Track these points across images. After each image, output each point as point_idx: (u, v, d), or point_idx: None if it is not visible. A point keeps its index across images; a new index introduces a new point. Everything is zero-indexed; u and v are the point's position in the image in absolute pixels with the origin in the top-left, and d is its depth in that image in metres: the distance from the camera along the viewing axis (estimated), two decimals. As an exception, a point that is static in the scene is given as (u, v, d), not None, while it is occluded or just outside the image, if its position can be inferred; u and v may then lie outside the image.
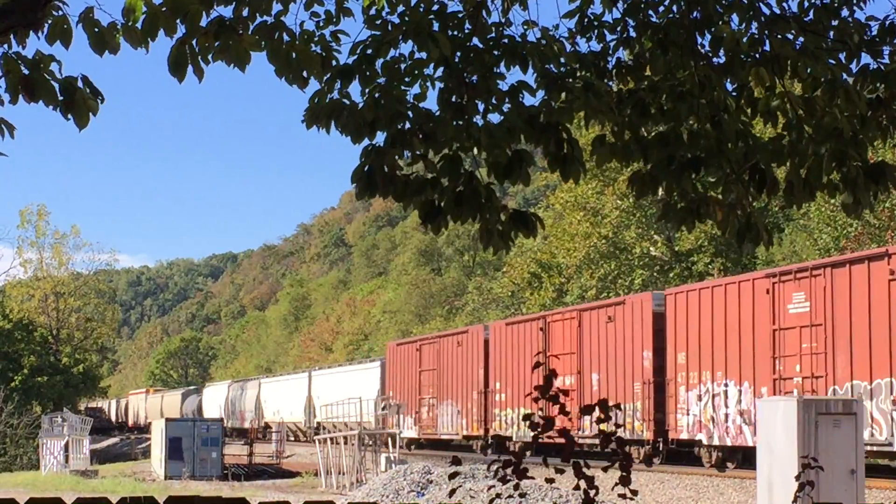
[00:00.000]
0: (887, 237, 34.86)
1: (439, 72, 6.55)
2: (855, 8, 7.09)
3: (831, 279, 23.13)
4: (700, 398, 26.64)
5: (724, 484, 24.80)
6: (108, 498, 6.84)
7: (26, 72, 5.66)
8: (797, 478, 8.40)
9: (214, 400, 77.07)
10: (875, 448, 22.16)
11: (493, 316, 58.77)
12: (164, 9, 5.69)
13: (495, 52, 6.64)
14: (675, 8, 7.02)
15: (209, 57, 5.86)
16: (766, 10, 6.93)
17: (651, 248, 46.75)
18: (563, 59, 6.87)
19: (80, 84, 5.72)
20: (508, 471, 6.15)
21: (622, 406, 28.94)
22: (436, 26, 6.48)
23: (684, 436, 27.16)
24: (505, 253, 7.24)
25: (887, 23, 7.03)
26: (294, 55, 6.15)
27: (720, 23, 6.85)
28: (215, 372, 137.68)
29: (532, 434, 6.18)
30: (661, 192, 7.20)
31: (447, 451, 39.04)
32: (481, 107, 6.59)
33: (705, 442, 26.39)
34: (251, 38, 5.97)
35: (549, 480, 6.84)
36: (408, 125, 6.47)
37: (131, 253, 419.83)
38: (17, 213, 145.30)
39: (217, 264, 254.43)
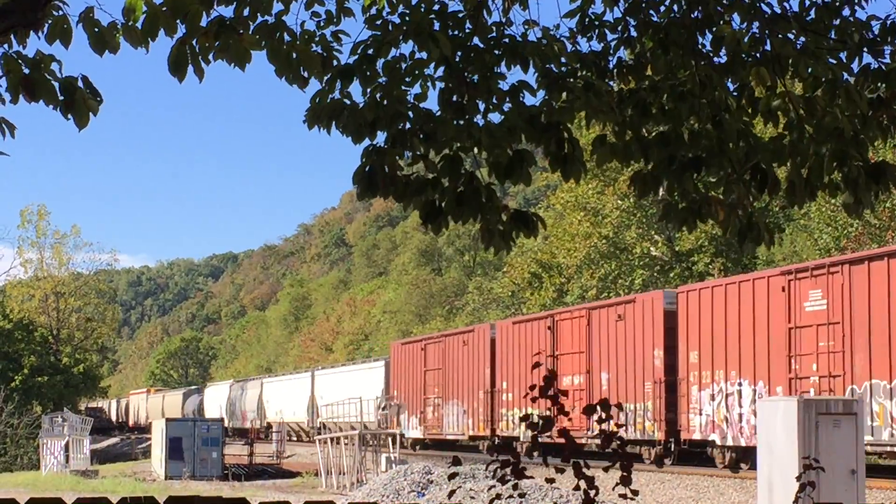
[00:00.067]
0: (888, 237, 34.86)
1: (440, 72, 6.54)
2: (856, 7, 7.08)
3: (849, 276, 22.71)
4: (713, 398, 26.26)
5: (724, 484, 24.79)
6: (109, 498, 6.84)
7: (27, 71, 5.65)
8: (798, 478, 8.39)
9: (216, 400, 77.03)
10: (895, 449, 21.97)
11: (494, 316, 58.75)
12: (164, 8, 5.68)
13: (496, 52, 6.63)
14: (675, 7, 7.01)
15: (210, 57, 5.86)
16: (767, 10, 6.93)
17: (651, 249, 46.76)
18: (563, 59, 6.87)
19: (79, 84, 5.72)
20: (507, 471, 6.15)
21: (633, 406, 28.71)
22: (436, 26, 6.47)
23: (697, 436, 26.79)
24: (505, 253, 7.23)
25: (888, 22, 7.02)
26: (294, 55, 6.15)
27: (721, 22, 6.84)
28: (215, 372, 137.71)
29: (532, 434, 6.18)
30: (661, 192, 7.20)
31: (453, 452, 38.66)
32: (482, 106, 6.58)
33: (718, 442, 26.02)
34: (251, 37, 5.97)
35: (550, 480, 6.83)
36: (408, 125, 6.47)
37: (131, 253, 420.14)
38: (17, 213, 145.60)
39: (217, 264, 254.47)
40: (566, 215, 49.52)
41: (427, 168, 6.53)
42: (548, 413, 6.08)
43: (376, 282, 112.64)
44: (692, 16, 6.93)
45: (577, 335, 31.81)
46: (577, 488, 6.19)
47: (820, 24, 7.00)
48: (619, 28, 7.11)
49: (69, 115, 5.72)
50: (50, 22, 5.72)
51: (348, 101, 6.43)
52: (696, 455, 27.72)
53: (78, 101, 5.70)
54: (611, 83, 7.02)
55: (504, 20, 6.79)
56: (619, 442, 6.15)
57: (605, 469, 6.49)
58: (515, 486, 6.21)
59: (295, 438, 59.17)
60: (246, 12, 6.10)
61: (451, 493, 7.92)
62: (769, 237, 7.01)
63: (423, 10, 6.49)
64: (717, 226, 7.13)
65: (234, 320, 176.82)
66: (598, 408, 6.08)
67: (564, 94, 6.71)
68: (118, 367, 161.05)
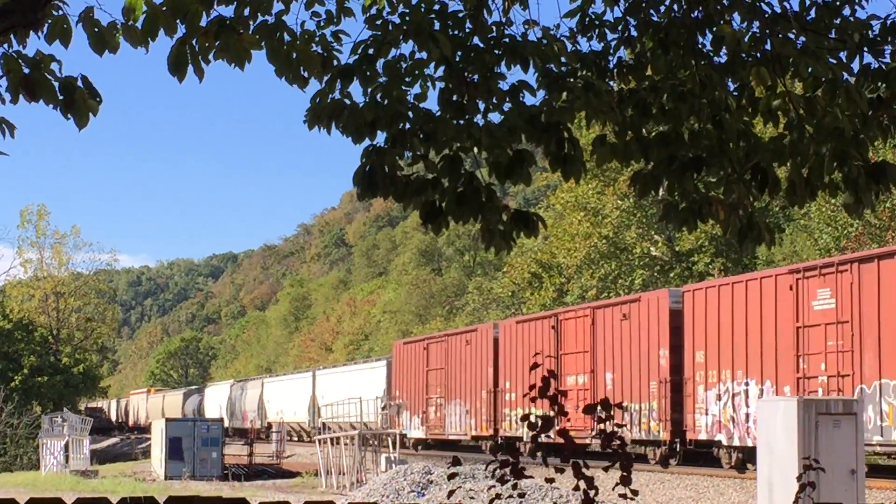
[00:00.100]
0: (888, 237, 34.86)
1: (440, 71, 6.54)
2: (856, 7, 7.08)
3: (858, 275, 22.44)
4: (719, 397, 26.01)
5: (724, 484, 24.78)
6: (108, 498, 6.83)
7: (27, 71, 5.65)
8: (798, 478, 8.38)
9: (216, 400, 76.98)
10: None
11: (494, 316, 58.76)
12: (164, 8, 5.68)
13: (496, 52, 6.63)
14: (676, 7, 7.01)
15: (210, 56, 5.86)
16: (768, 10, 6.93)
17: (651, 249, 46.78)
18: (563, 59, 6.87)
19: (79, 84, 5.72)
20: (507, 471, 6.14)
21: (638, 406, 28.49)
22: (436, 26, 6.47)
23: (703, 436, 26.54)
24: (506, 253, 7.23)
25: (888, 22, 7.02)
26: (294, 55, 6.15)
27: (721, 22, 6.84)
28: (215, 372, 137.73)
29: (531, 434, 6.17)
30: (662, 192, 7.19)
31: (456, 452, 38.37)
32: (482, 106, 6.58)
33: (725, 443, 25.74)
34: (251, 37, 5.97)
35: (549, 480, 6.83)
36: (408, 125, 6.47)
37: (131, 253, 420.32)
38: (17, 213, 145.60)
39: (217, 264, 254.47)
40: (566, 215, 49.53)
41: (427, 168, 6.53)
42: (552, 413, 6.07)
43: (376, 282, 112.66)
44: (692, 15, 6.93)
45: (581, 334, 31.54)
46: (576, 488, 6.19)
47: (820, 24, 7.00)
48: (620, 28, 7.11)
49: (69, 115, 5.72)
50: (50, 22, 5.72)
51: (348, 101, 6.42)
52: (701, 455, 27.44)
53: (78, 101, 5.70)
54: (611, 83, 7.02)
55: (504, 20, 6.79)
56: (618, 442, 6.14)
57: (605, 469, 6.49)
58: (515, 486, 6.21)
59: (296, 438, 59.11)
60: (246, 12, 6.10)
61: (451, 493, 7.94)
62: (770, 237, 7.01)
63: (423, 9, 6.49)
64: (717, 226, 7.12)
65: (234, 320, 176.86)
66: (599, 407, 6.08)
67: (564, 94, 6.70)
68: (118, 367, 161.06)
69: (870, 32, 7.01)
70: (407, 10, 6.50)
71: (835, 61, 6.89)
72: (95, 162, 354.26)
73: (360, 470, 35.23)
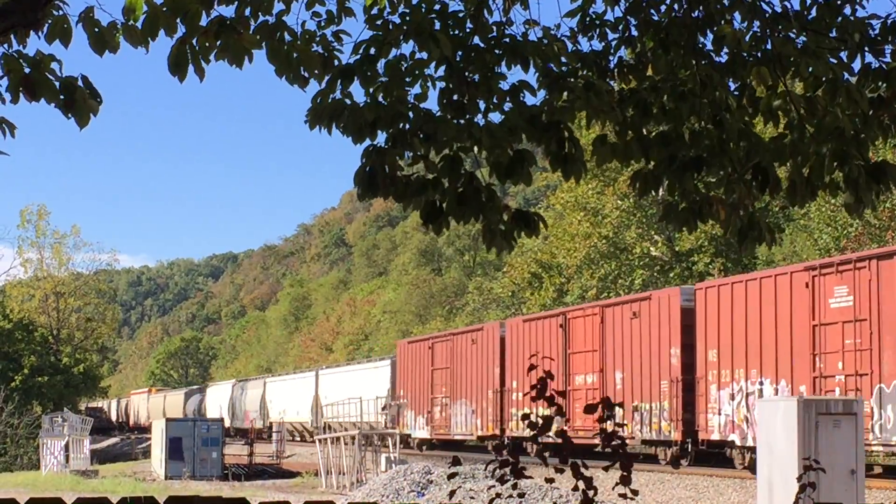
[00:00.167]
0: (888, 237, 34.86)
1: (440, 71, 6.54)
2: (857, 6, 7.08)
3: (877, 271, 21.97)
4: (733, 397, 25.58)
5: (724, 484, 24.78)
6: (109, 498, 6.83)
7: (27, 71, 5.65)
8: (799, 479, 8.38)
9: (218, 400, 76.94)
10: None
11: (494, 316, 58.76)
12: (164, 8, 5.68)
13: (497, 52, 6.62)
14: (676, 7, 7.01)
15: (210, 56, 5.86)
16: (768, 9, 6.93)
17: (651, 249, 46.80)
18: (564, 59, 6.86)
19: (79, 84, 5.72)
20: (507, 471, 6.14)
21: (648, 405, 28.20)
22: (437, 26, 6.47)
23: (715, 436, 26.13)
24: (506, 253, 7.23)
25: (889, 21, 7.02)
26: (295, 55, 6.15)
27: (722, 22, 6.84)
28: (215, 372, 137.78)
29: (532, 434, 6.17)
30: (662, 191, 7.19)
31: (461, 453, 36.92)
32: (482, 106, 6.58)
33: (738, 443, 25.31)
34: (251, 37, 5.97)
35: (549, 480, 6.82)
36: (409, 125, 6.46)
37: (131, 253, 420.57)
38: (17, 213, 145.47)
39: (217, 264, 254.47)
40: (566, 215, 49.56)
41: (427, 168, 6.52)
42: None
43: (376, 282, 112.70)
44: (693, 15, 6.93)
45: (590, 333, 31.16)
46: (576, 489, 6.19)
47: (821, 24, 7.00)
48: (620, 27, 7.11)
49: (70, 115, 5.72)
50: (50, 22, 5.72)
51: (349, 102, 6.42)
52: (713, 456, 27.09)
53: (78, 101, 5.70)
54: (611, 83, 7.01)
55: (505, 20, 6.79)
56: (619, 441, 6.14)
57: (605, 468, 6.49)
58: (515, 486, 6.21)
59: (298, 439, 59.05)
60: (247, 12, 6.10)
61: (452, 493, 7.92)
62: (770, 237, 7.01)
63: (423, 9, 6.49)
64: (717, 226, 7.12)
65: (234, 320, 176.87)
66: (600, 406, 6.08)
67: (565, 94, 6.70)
68: (118, 367, 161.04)
69: (870, 32, 7.01)
70: (407, 10, 6.50)
71: (835, 61, 6.89)
72: (95, 162, 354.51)
73: (360, 470, 35.23)
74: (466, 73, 6.55)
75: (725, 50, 6.88)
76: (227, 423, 61.94)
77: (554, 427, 6.10)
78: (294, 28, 6.23)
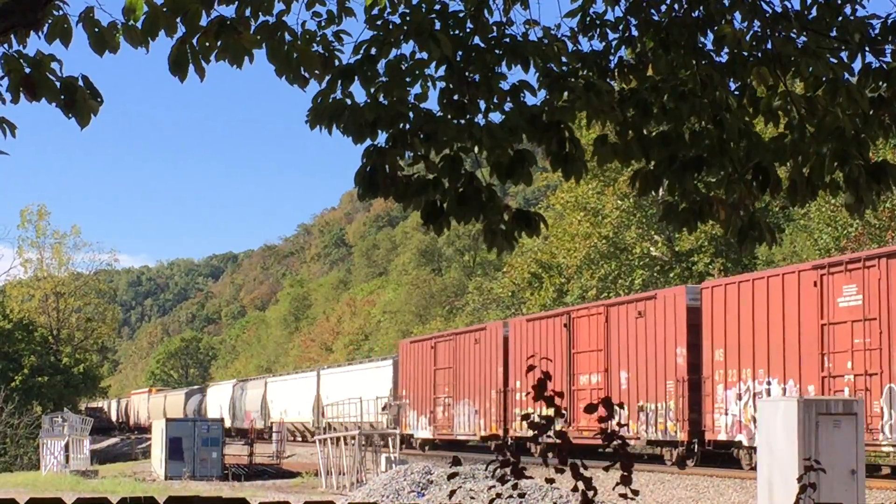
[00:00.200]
0: (888, 237, 34.86)
1: (441, 71, 6.54)
2: (857, 6, 7.08)
3: (886, 270, 21.76)
4: (740, 397, 25.34)
5: (724, 484, 24.77)
6: (108, 498, 6.84)
7: (28, 71, 5.65)
8: (799, 479, 8.39)
9: (218, 400, 76.87)
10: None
11: (494, 316, 58.77)
12: (164, 8, 5.68)
13: (497, 52, 6.62)
14: (677, 7, 7.01)
15: (211, 56, 5.86)
16: (768, 9, 6.93)
17: (651, 249, 46.81)
18: (564, 59, 6.86)
19: (80, 84, 5.72)
20: (507, 471, 6.14)
21: (654, 405, 28.03)
22: (437, 26, 6.47)
23: (722, 437, 25.89)
24: (507, 253, 7.22)
25: (889, 21, 7.02)
26: (295, 55, 6.15)
27: (722, 21, 6.84)
28: (216, 372, 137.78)
29: (532, 434, 6.17)
30: (662, 191, 7.19)
31: (464, 453, 36.62)
32: (483, 106, 6.58)
33: (745, 443, 25.03)
34: (251, 36, 5.97)
35: (549, 480, 6.82)
36: (409, 125, 6.46)
37: (131, 253, 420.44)
38: (17, 213, 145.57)
39: (217, 264, 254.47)
40: (566, 215, 49.57)
41: (428, 168, 6.52)
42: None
43: (376, 282, 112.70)
44: (693, 15, 6.93)
45: (594, 333, 30.94)
46: (576, 489, 6.18)
47: (821, 23, 7.00)
48: (620, 27, 7.11)
49: (70, 115, 5.72)
50: (50, 22, 5.72)
51: (350, 102, 6.42)
52: (719, 456, 26.89)
53: (79, 101, 5.70)
54: (612, 83, 7.01)
55: (505, 20, 6.79)
56: (619, 441, 6.14)
57: (606, 468, 6.49)
58: (515, 486, 6.20)
59: (300, 439, 59.00)
60: (247, 12, 6.10)
61: (452, 493, 7.93)
62: (771, 237, 7.01)
63: (424, 9, 6.49)
64: (717, 226, 7.12)
65: (234, 320, 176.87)
66: (601, 406, 6.07)
67: (565, 94, 6.70)
68: (118, 367, 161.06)
69: (871, 32, 7.01)
70: (408, 10, 6.50)
71: (836, 61, 6.89)
72: (95, 162, 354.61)
73: (361, 470, 35.23)
74: (467, 73, 6.55)
75: (726, 50, 6.88)
76: (227, 424, 61.94)
77: (557, 427, 6.10)
78: (294, 28, 6.24)
